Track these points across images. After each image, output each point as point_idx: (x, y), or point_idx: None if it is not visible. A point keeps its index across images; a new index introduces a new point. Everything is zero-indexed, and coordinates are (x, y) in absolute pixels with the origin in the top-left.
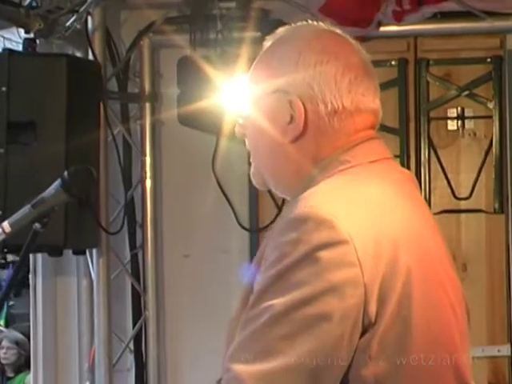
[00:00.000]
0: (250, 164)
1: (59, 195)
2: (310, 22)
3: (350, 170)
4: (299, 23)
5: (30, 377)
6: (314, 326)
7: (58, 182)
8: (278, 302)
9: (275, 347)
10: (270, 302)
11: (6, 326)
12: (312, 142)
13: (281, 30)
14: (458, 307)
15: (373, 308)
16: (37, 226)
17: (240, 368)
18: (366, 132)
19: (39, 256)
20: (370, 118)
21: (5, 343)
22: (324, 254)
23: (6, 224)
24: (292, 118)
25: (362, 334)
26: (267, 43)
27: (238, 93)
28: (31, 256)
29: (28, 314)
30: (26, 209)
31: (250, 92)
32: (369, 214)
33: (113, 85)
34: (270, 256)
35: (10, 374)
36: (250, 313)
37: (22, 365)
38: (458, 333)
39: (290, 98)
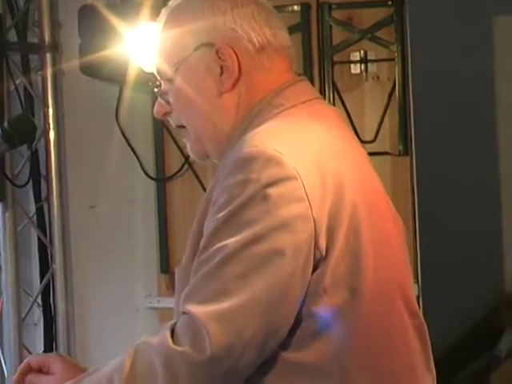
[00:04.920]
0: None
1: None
2: None
3: (286, 111)
4: None
5: None
6: (267, 262)
7: None
8: (230, 241)
9: (230, 286)
10: (222, 243)
11: None
12: (246, 85)
13: None
14: (400, 238)
15: (322, 242)
16: None
17: (196, 309)
18: (291, 73)
19: None
20: (290, 57)
21: None
22: (273, 191)
23: None
24: (222, 68)
25: (314, 269)
26: (166, 10)
27: (143, 43)
28: None
29: None
30: None
31: (167, 61)
32: (312, 151)
33: (12, 35)
34: (219, 199)
35: None
36: (202, 255)
37: None
38: (404, 263)
39: (217, 48)
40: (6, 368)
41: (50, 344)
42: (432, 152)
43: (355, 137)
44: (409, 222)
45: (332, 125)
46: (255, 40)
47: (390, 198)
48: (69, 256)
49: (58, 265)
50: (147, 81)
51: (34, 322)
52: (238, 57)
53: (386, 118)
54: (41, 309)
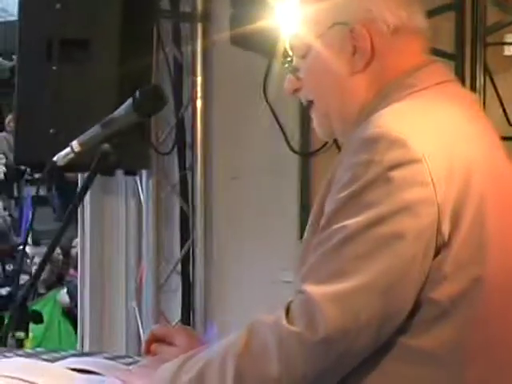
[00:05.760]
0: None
1: (130, 115)
2: None
3: (418, 93)
4: None
5: (63, 293)
6: (388, 245)
7: (128, 102)
8: (351, 222)
9: (348, 267)
10: (343, 223)
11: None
12: (378, 67)
13: None
14: None
15: (446, 227)
16: (106, 146)
17: (312, 289)
18: (425, 56)
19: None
20: (425, 40)
21: (37, 259)
22: (396, 174)
23: (75, 143)
24: (355, 48)
25: (436, 254)
26: None
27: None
28: (79, 175)
29: (50, 231)
30: (96, 128)
31: (303, 37)
32: (441, 136)
33: (165, 4)
34: (342, 178)
35: (42, 291)
36: (322, 234)
37: (54, 281)
38: None
39: (351, 27)
40: (144, 334)
41: (187, 312)
42: None
43: (489, 122)
44: None
45: (466, 108)
46: (390, 21)
47: None
48: (210, 226)
49: (198, 234)
50: None
51: (173, 290)
52: (371, 37)
53: None
54: (180, 276)
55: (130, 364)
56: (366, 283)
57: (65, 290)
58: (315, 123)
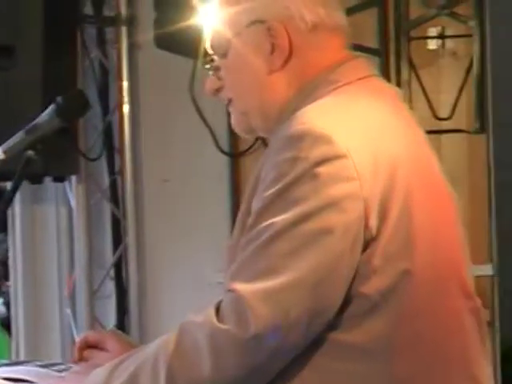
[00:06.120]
0: (229, 115)
1: (53, 121)
2: None
3: (341, 88)
4: None
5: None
6: (316, 241)
7: (51, 108)
8: (279, 219)
9: (276, 264)
10: (270, 221)
11: None
12: (298, 64)
13: None
14: (456, 219)
15: (373, 222)
16: (30, 152)
17: (242, 287)
18: (347, 52)
19: None
20: (345, 37)
21: None
22: (322, 170)
23: None
24: (273, 46)
25: (364, 248)
26: None
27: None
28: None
29: None
30: (19, 135)
31: (222, 36)
32: (366, 131)
33: (88, 9)
34: (268, 176)
35: None
36: (250, 233)
37: None
38: (459, 246)
39: (269, 25)
40: None
41: (121, 317)
42: (509, 130)
43: (411, 116)
44: (484, 200)
45: (389, 103)
46: (308, 18)
47: (466, 175)
48: (141, 229)
49: (130, 238)
50: None
51: (107, 295)
52: (289, 35)
53: (463, 95)
54: (113, 282)
55: (62, 371)
56: (294, 280)
57: (1, 300)
58: (233, 120)
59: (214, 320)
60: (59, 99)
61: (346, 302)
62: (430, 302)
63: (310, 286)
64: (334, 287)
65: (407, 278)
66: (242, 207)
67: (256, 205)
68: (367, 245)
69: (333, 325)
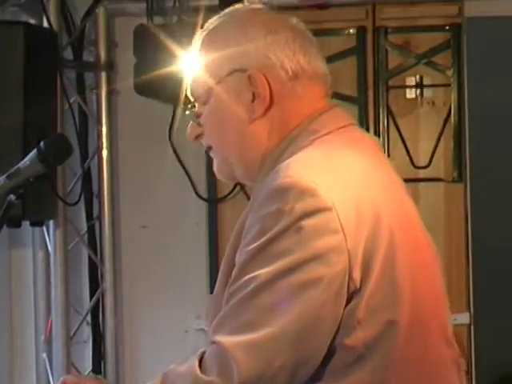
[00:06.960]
0: (208, 161)
1: (35, 166)
2: (241, 4)
3: (322, 138)
4: (231, 8)
5: None
6: (298, 294)
7: (33, 153)
8: (263, 271)
9: (261, 317)
10: (254, 274)
11: None
12: (279, 112)
13: (213, 18)
14: (436, 265)
15: (357, 273)
16: (11, 197)
17: (225, 339)
18: (327, 100)
19: None
20: (326, 85)
21: None
22: (307, 223)
23: None
24: (254, 94)
25: (348, 301)
26: (202, 34)
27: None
28: None
29: None
30: (1, 180)
31: (203, 83)
32: (348, 181)
33: (68, 53)
34: (252, 229)
35: None
36: (233, 285)
37: None
38: (440, 291)
39: (249, 74)
40: None
41: (98, 363)
42: (487, 179)
43: (390, 165)
44: (461, 249)
45: (368, 152)
46: (288, 67)
47: (443, 224)
48: (119, 275)
49: (107, 284)
50: None
51: (83, 341)
52: (269, 84)
53: (441, 144)
54: (90, 327)
55: None
56: (277, 332)
57: None
58: (215, 167)
59: (197, 371)
60: (42, 144)
61: (331, 353)
62: (414, 351)
63: (293, 336)
64: (316, 338)
65: (392, 328)
66: (225, 258)
67: (240, 257)
68: (351, 297)
69: (317, 375)
